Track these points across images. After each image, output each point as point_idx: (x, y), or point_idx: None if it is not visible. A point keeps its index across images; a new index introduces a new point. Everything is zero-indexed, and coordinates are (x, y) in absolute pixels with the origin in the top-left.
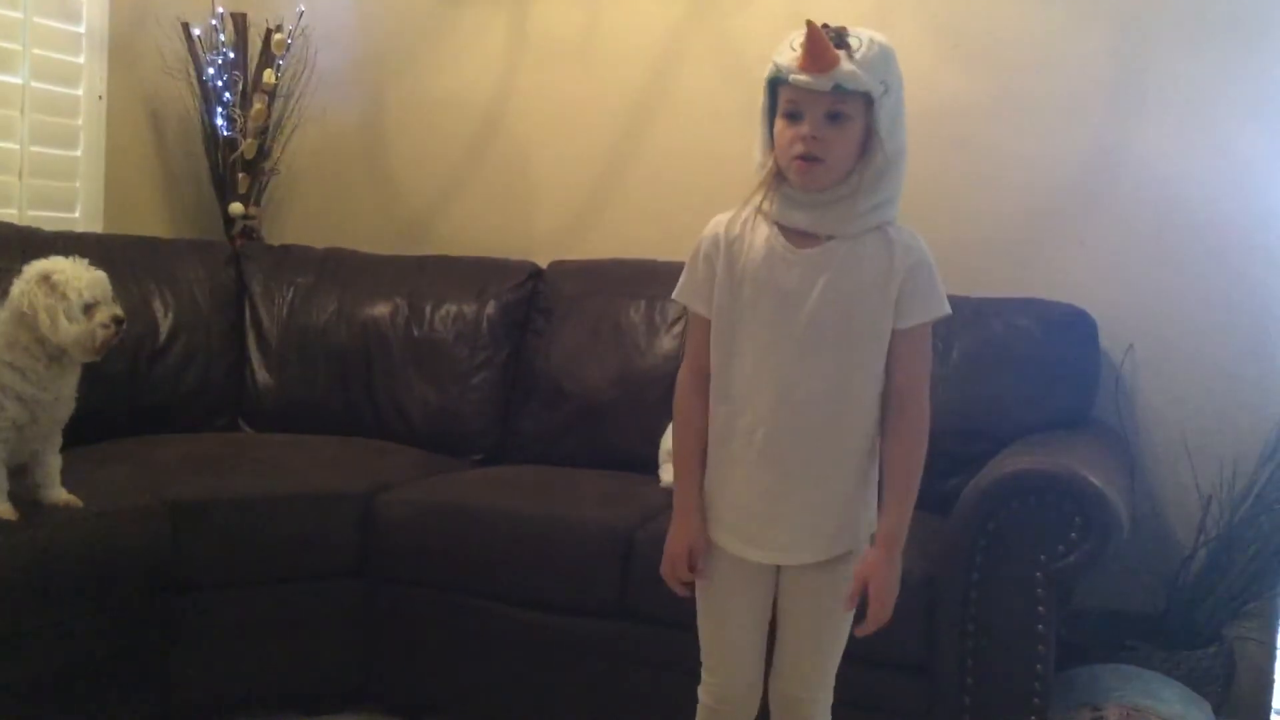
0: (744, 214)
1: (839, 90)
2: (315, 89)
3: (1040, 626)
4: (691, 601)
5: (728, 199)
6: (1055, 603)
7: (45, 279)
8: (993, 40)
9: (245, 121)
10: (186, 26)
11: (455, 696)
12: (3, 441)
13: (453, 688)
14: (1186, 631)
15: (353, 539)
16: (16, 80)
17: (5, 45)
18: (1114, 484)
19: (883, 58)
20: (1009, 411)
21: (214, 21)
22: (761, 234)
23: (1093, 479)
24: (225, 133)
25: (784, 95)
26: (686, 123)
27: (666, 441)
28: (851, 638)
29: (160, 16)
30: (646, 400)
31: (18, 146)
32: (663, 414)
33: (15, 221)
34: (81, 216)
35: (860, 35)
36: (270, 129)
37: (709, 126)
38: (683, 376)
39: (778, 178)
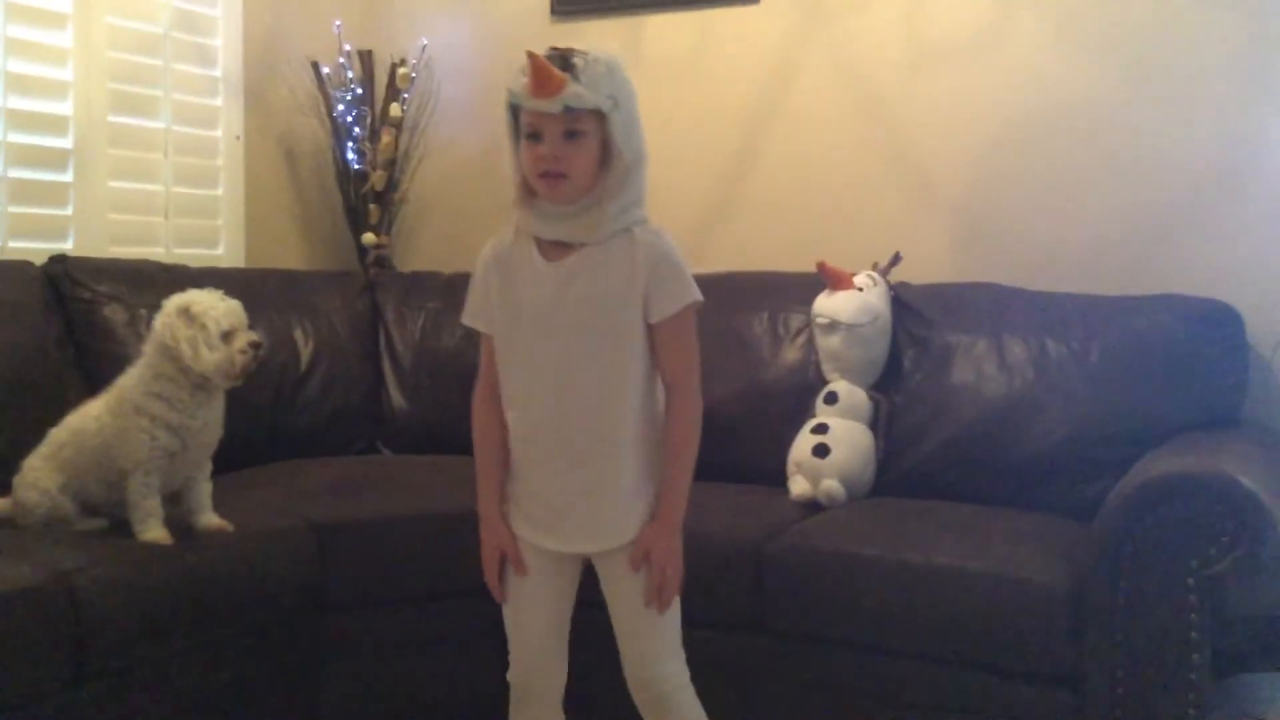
0: (511, 232)
1: (570, 110)
2: (439, 120)
3: (1193, 634)
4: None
5: (845, 204)
6: (1208, 610)
7: (184, 311)
8: (1120, 30)
9: (374, 154)
10: (316, 65)
11: (584, 708)
12: (156, 470)
13: (588, 699)
14: None
15: None
16: (159, 125)
17: (147, 91)
18: (1267, 486)
19: (608, 73)
20: (1153, 413)
21: (342, 59)
22: (524, 249)
23: (1244, 481)
24: (356, 166)
25: (523, 119)
26: (802, 131)
27: (794, 453)
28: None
29: (291, 57)
30: (771, 412)
31: (162, 188)
32: (788, 425)
33: (162, 259)
34: (224, 252)
35: (585, 55)
36: (398, 160)
37: (826, 133)
38: (477, 389)
39: (530, 194)
